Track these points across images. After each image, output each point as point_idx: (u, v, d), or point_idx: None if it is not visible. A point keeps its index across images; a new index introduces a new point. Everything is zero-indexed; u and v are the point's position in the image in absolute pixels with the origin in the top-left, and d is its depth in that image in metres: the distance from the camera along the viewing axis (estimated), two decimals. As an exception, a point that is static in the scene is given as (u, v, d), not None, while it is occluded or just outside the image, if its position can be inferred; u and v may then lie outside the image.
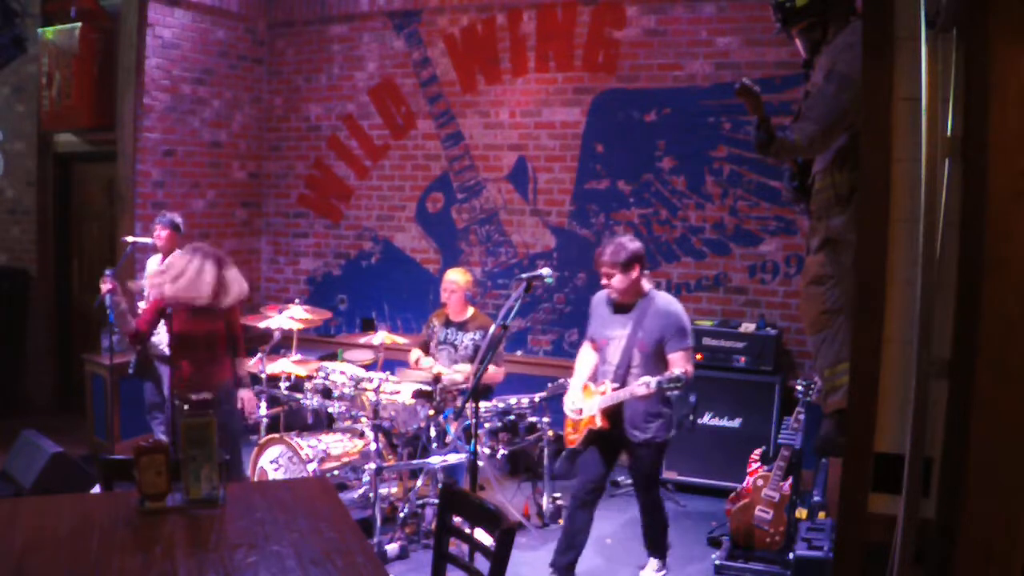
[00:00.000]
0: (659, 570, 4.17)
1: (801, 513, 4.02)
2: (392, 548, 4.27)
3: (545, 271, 3.89)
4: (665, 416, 3.96)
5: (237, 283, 4.26)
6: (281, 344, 5.22)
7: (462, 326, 5.11)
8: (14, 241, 6.97)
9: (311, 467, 4.47)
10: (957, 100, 1.90)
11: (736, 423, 5.21)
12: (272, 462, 4.65)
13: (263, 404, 4.94)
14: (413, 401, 4.57)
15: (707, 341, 5.28)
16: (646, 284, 3.98)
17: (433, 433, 4.52)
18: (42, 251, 6.88)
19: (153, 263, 5.44)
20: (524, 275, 3.87)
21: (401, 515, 4.40)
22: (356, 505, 4.52)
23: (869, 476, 2.01)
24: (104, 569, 2.15)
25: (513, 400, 4.81)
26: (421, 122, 6.55)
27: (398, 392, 4.66)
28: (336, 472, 4.62)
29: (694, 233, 5.75)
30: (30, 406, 6.71)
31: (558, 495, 4.97)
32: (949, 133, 1.90)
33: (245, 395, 4.46)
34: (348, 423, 4.99)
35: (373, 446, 4.60)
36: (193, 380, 4.18)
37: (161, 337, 4.98)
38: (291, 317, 5.11)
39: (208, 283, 4.11)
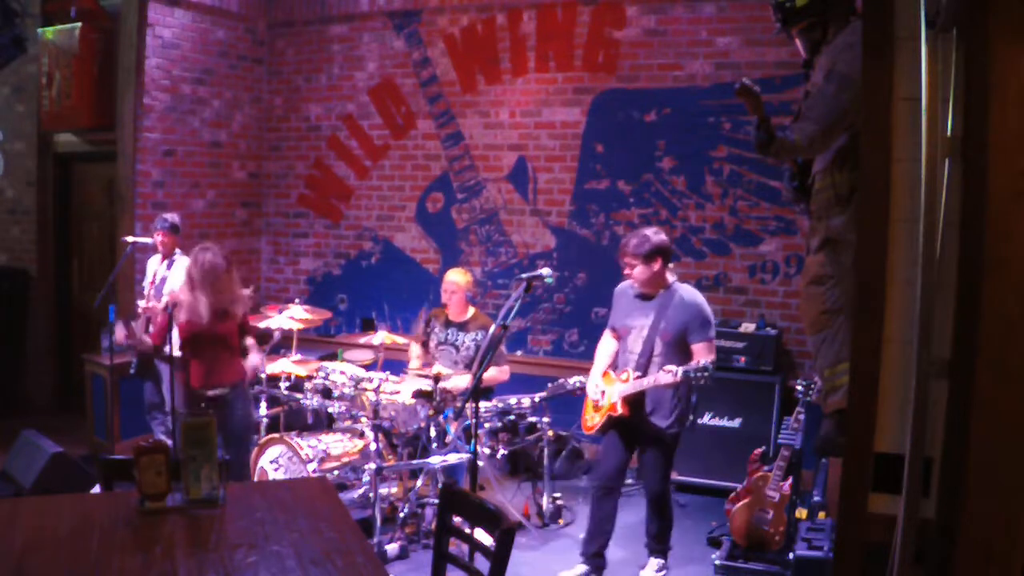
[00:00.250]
0: (660, 570, 4.17)
1: (801, 513, 4.01)
2: (392, 548, 4.27)
3: (545, 271, 3.90)
4: (683, 409, 4.02)
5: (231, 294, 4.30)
6: (281, 344, 5.22)
7: (463, 326, 5.11)
8: (14, 241, 6.97)
9: (311, 467, 4.47)
10: (957, 100, 1.90)
11: (736, 423, 5.21)
12: (272, 462, 4.65)
13: (263, 404, 4.94)
14: (413, 401, 4.57)
15: (707, 341, 5.28)
16: (670, 276, 4.04)
17: (433, 433, 4.52)
18: (42, 251, 6.88)
19: (152, 263, 5.45)
20: (524, 275, 3.88)
21: (401, 515, 4.40)
22: (356, 505, 4.52)
23: (869, 476, 2.01)
24: (104, 569, 2.15)
25: (513, 400, 4.81)
26: (421, 122, 6.55)
27: (398, 392, 4.66)
28: (336, 472, 4.62)
29: (694, 233, 5.74)
30: (30, 406, 6.71)
31: (558, 495, 4.97)
32: (949, 133, 1.90)
33: (255, 359, 4.48)
34: (348, 423, 4.99)
35: (373, 446, 4.60)
36: (206, 379, 4.19)
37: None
38: (291, 317, 5.12)
39: (206, 307, 4.17)
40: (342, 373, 4.80)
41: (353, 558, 2.29)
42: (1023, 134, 1.77)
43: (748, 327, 5.34)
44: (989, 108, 1.79)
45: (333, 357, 6.06)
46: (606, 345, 4.24)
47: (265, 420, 4.96)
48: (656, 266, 3.95)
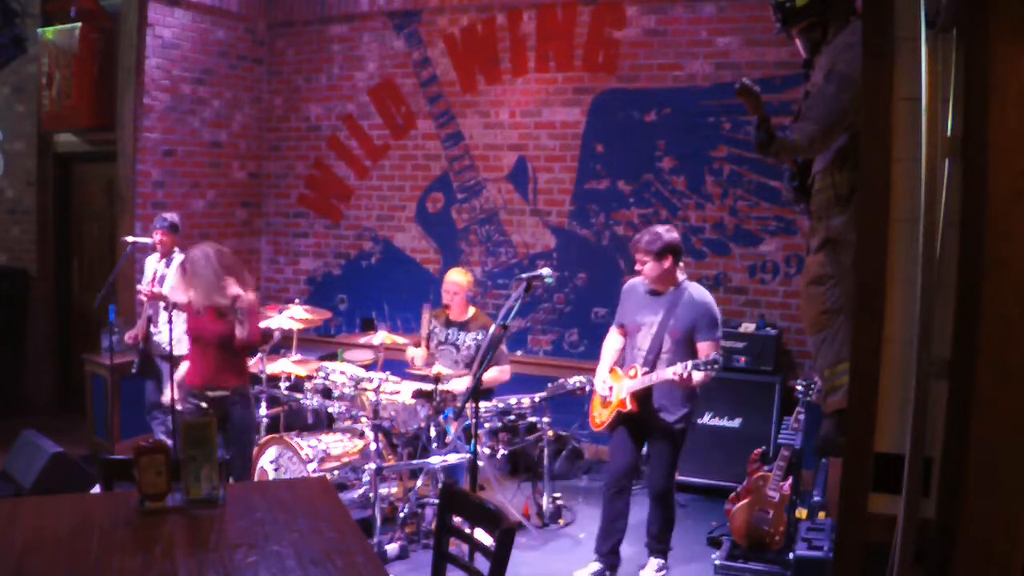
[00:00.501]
0: (660, 570, 4.17)
1: (801, 513, 4.02)
2: (392, 548, 4.27)
3: (545, 271, 3.90)
4: (690, 407, 4.05)
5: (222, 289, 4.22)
6: (281, 344, 5.22)
7: (463, 326, 5.11)
8: (14, 241, 6.97)
9: (311, 467, 4.47)
10: (957, 100, 1.90)
11: (736, 423, 5.21)
12: (272, 462, 4.65)
13: (263, 404, 4.94)
14: (413, 401, 4.57)
15: (707, 341, 5.28)
16: (680, 275, 4.07)
17: (433, 433, 4.52)
18: (42, 251, 6.88)
19: (151, 262, 5.45)
20: (524, 275, 3.88)
21: (401, 515, 4.40)
22: (356, 505, 4.52)
23: (869, 476, 2.01)
24: (104, 569, 2.15)
25: (513, 400, 4.81)
26: (421, 122, 6.55)
27: (398, 392, 4.66)
28: (336, 472, 4.62)
29: (694, 233, 5.74)
30: (30, 406, 6.71)
31: (558, 495, 4.97)
32: (949, 133, 1.90)
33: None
34: (348, 423, 4.98)
35: (373, 446, 4.60)
36: (207, 380, 4.17)
37: (163, 336, 4.99)
38: (291, 317, 5.11)
39: (200, 285, 4.09)
40: (342, 373, 4.80)
41: (353, 558, 2.29)
42: (1023, 134, 1.77)
43: (748, 327, 5.34)
44: (989, 108, 1.79)
45: (333, 357, 6.06)
46: (612, 342, 4.26)
47: (265, 420, 4.96)
48: (666, 263, 3.98)
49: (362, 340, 5.39)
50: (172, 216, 5.37)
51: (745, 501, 4.21)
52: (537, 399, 4.84)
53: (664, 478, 4.08)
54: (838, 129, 2.63)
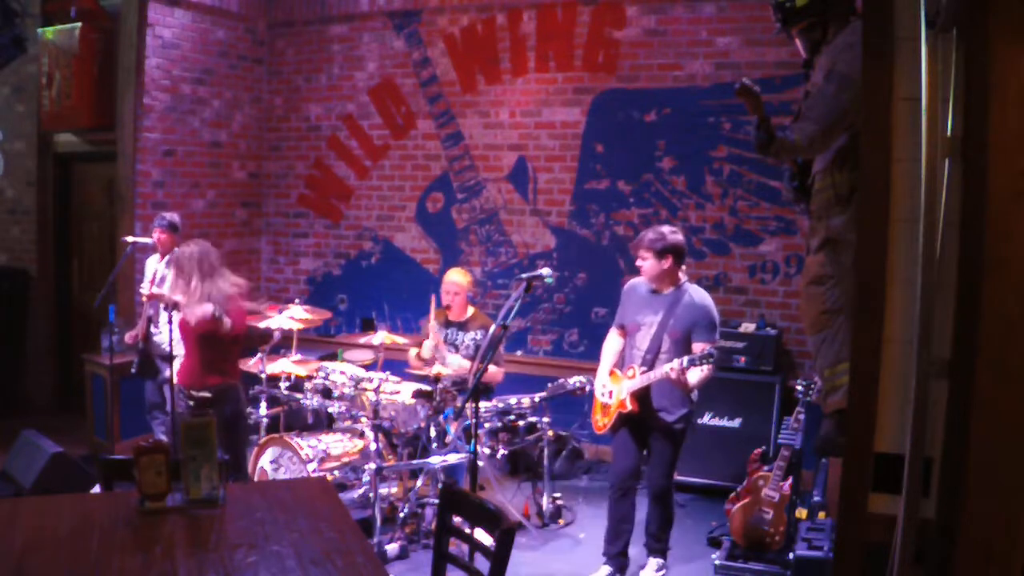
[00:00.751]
0: (659, 570, 4.17)
1: (801, 513, 4.02)
2: (392, 548, 4.27)
3: (545, 271, 3.91)
4: (690, 406, 4.05)
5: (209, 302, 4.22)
6: (281, 344, 5.22)
7: (463, 326, 5.11)
8: (14, 241, 6.97)
9: (311, 467, 4.47)
10: (957, 100, 1.90)
11: (736, 423, 5.20)
12: (272, 462, 4.65)
13: (263, 404, 4.94)
14: (413, 401, 4.57)
15: (707, 341, 5.29)
16: (682, 276, 4.08)
17: (433, 433, 4.52)
18: (42, 251, 6.88)
19: (152, 263, 5.45)
20: (524, 275, 3.88)
21: (401, 515, 4.40)
22: (356, 505, 4.52)
23: (869, 476, 2.01)
24: (104, 569, 2.15)
25: (513, 400, 4.81)
26: (421, 122, 6.55)
27: (398, 392, 4.66)
28: (336, 472, 4.62)
29: (694, 233, 5.74)
30: (30, 406, 6.71)
31: (558, 495, 4.97)
32: (949, 133, 1.90)
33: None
34: (348, 423, 4.98)
35: (373, 446, 4.60)
36: (198, 378, 4.18)
37: (163, 336, 4.98)
38: (291, 317, 5.11)
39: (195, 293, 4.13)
40: (342, 373, 4.79)
41: (353, 558, 2.29)
42: (1023, 134, 1.77)
43: (748, 327, 5.34)
44: (989, 108, 1.79)
45: (333, 357, 6.06)
46: (611, 344, 4.26)
47: (265, 420, 4.96)
48: (666, 263, 3.98)
49: (362, 340, 5.38)
50: (171, 216, 5.37)
51: (745, 501, 4.21)
52: (537, 399, 4.84)
53: (663, 477, 4.09)
54: (838, 129, 2.63)
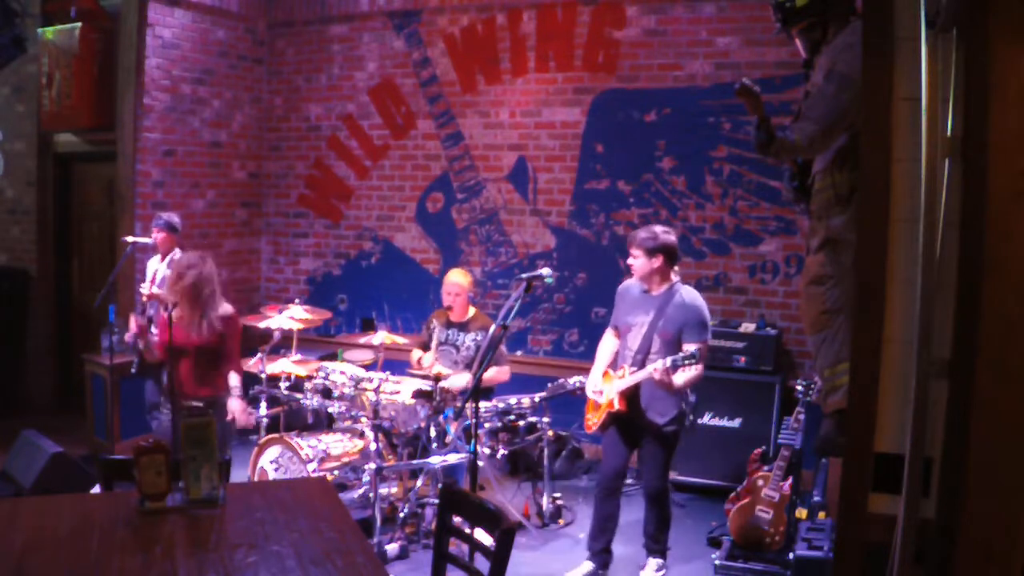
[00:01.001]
0: (659, 569, 4.17)
1: (801, 513, 4.02)
2: (392, 548, 4.27)
3: (545, 271, 3.91)
4: (681, 407, 4.04)
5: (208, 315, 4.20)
6: (281, 344, 5.22)
7: (463, 326, 5.11)
8: (14, 241, 6.97)
9: (311, 467, 4.47)
10: (957, 100, 1.90)
11: (736, 423, 5.20)
12: (272, 462, 4.65)
13: (263, 404, 4.94)
14: (413, 401, 4.57)
15: (707, 341, 5.29)
16: (674, 276, 4.07)
17: (433, 433, 4.51)
18: (42, 251, 6.87)
19: (153, 263, 5.45)
20: (524, 275, 3.88)
21: (401, 515, 4.40)
22: (356, 505, 4.52)
23: (869, 476, 2.01)
24: (104, 569, 2.15)
25: (513, 400, 4.81)
26: (421, 122, 6.55)
27: (398, 392, 4.66)
28: (336, 472, 4.62)
29: (694, 233, 5.74)
30: (30, 406, 6.71)
31: (558, 495, 4.97)
32: (949, 133, 1.90)
33: (234, 407, 4.29)
34: (348, 423, 4.98)
35: (373, 446, 4.60)
36: (186, 388, 4.16)
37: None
38: (291, 317, 5.11)
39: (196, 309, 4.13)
40: (342, 373, 4.79)
41: (353, 558, 2.29)
42: (1023, 134, 1.77)
43: (748, 327, 5.34)
44: (989, 108, 1.79)
45: (333, 357, 6.05)
46: (607, 344, 4.27)
47: (265, 420, 4.96)
48: (656, 263, 3.98)
49: (362, 340, 5.39)
50: (170, 216, 5.37)
51: (745, 501, 4.21)
52: (537, 399, 4.84)
53: (657, 479, 4.09)
54: (838, 129, 2.63)
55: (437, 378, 4.52)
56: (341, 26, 6.77)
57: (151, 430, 5.35)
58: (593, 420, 4.16)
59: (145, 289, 5.21)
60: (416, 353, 5.25)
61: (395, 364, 5.33)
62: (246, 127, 6.95)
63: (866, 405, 2.01)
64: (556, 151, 6.12)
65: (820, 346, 2.77)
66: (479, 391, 3.77)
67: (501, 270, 6.36)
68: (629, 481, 4.97)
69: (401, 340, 5.27)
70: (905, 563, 1.89)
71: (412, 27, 6.50)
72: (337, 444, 4.72)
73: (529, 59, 6.14)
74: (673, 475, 5.32)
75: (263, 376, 4.91)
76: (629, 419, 4.04)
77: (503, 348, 5.00)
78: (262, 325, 5.13)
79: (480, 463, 4.08)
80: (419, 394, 4.56)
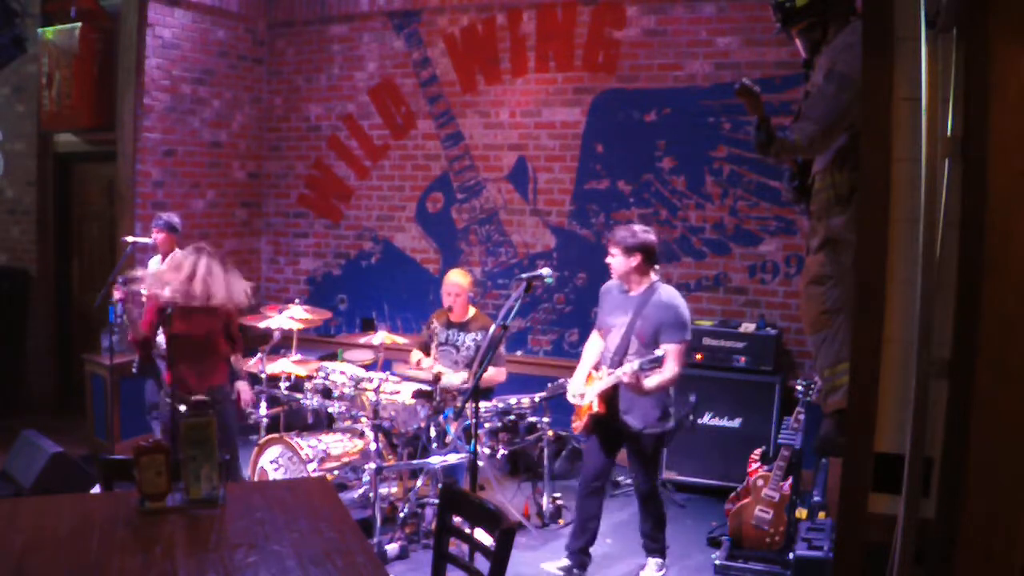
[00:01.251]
0: (659, 569, 4.17)
1: (801, 513, 4.02)
2: (392, 548, 4.27)
3: (545, 271, 3.91)
4: (663, 407, 4.01)
5: (240, 286, 4.26)
6: (281, 344, 5.22)
7: (463, 327, 5.11)
8: (14, 241, 6.97)
9: (311, 467, 4.47)
10: (957, 100, 1.90)
11: (736, 423, 5.20)
12: (272, 462, 4.65)
13: (263, 404, 4.94)
14: (413, 401, 4.57)
15: (707, 341, 5.28)
16: (653, 275, 4.05)
17: (433, 433, 4.52)
18: (42, 251, 6.88)
19: (153, 263, 5.44)
20: (524, 275, 3.88)
21: (401, 515, 4.40)
22: (356, 505, 4.52)
23: (869, 476, 2.01)
24: (104, 569, 2.15)
25: (513, 400, 4.81)
26: (421, 122, 6.55)
27: (398, 392, 4.66)
28: (336, 472, 4.62)
29: (694, 233, 5.74)
30: (30, 406, 6.71)
31: (558, 495, 4.97)
32: (949, 133, 1.90)
33: (242, 386, 4.45)
34: (348, 423, 4.99)
35: (373, 446, 4.60)
36: (190, 382, 4.17)
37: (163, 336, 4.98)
38: (291, 317, 5.11)
39: (220, 285, 4.12)
40: (342, 373, 4.80)
41: (353, 558, 2.29)
42: (1023, 134, 1.77)
43: (748, 327, 5.34)
44: (989, 108, 1.79)
45: (333, 357, 6.06)
46: (591, 345, 4.28)
47: (265, 420, 4.96)
48: (634, 261, 3.97)
49: (362, 340, 5.39)
50: (169, 216, 5.37)
51: (745, 501, 4.21)
52: (537, 399, 4.84)
53: (644, 480, 4.09)
54: (838, 129, 2.63)
55: (437, 378, 4.53)
56: (341, 26, 6.77)
57: (151, 430, 5.37)
58: (577, 423, 4.17)
59: (144, 290, 5.20)
60: (416, 354, 5.26)
61: (395, 364, 5.33)
62: (246, 127, 6.95)
63: (866, 405, 2.01)
64: (556, 151, 6.12)
65: (820, 346, 2.77)
66: (479, 391, 3.77)
67: (501, 270, 6.36)
68: (628, 481, 4.97)
69: (401, 340, 5.27)
70: (905, 563, 1.89)
71: (412, 27, 6.50)
72: (337, 444, 4.73)
73: (529, 59, 6.14)
74: (673, 475, 5.34)
75: (263, 376, 4.91)
76: (608, 421, 4.04)
77: (502, 349, 5.00)
78: (262, 325, 5.12)
79: (480, 463, 4.08)
80: (419, 394, 4.56)
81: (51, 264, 6.94)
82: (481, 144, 6.35)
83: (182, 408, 4.12)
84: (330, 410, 4.90)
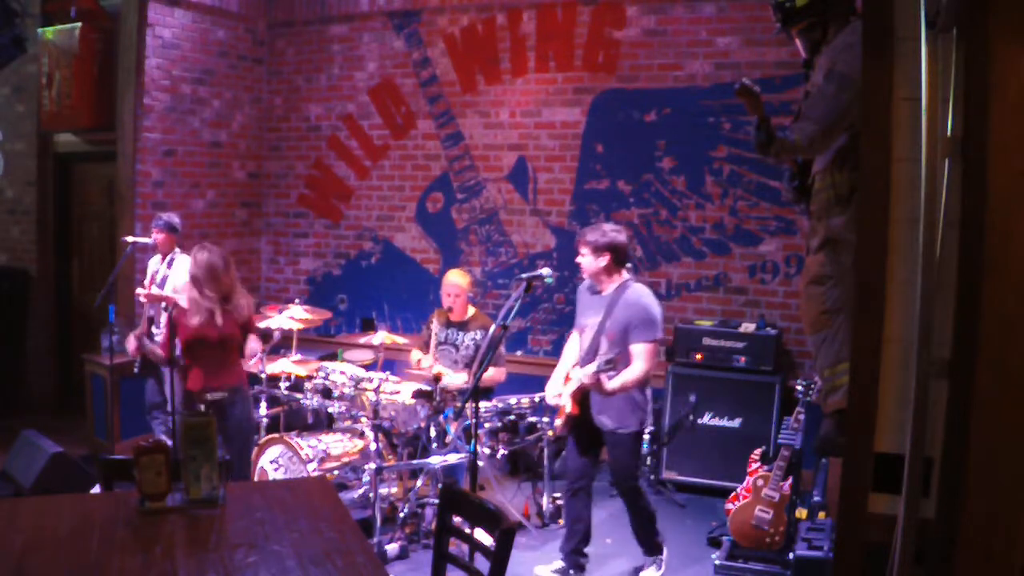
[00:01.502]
0: (658, 569, 4.17)
1: (801, 513, 4.02)
2: (392, 548, 4.27)
3: (545, 271, 3.91)
4: (636, 406, 3.98)
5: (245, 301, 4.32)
6: (281, 344, 5.22)
7: (463, 326, 5.11)
8: (14, 241, 6.97)
9: (311, 467, 4.47)
10: (957, 100, 1.89)
11: (736, 423, 5.20)
12: (272, 462, 4.65)
13: (263, 405, 4.94)
14: (413, 401, 4.57)
15: (707, 341, 5.28)
16: (624, 275, 4.03)
17: (433, 433, 4.52)
18: (42, 251, 6.88)
19: (153, 263, 5.44)
20: (524, 275, 3.89)
21: (401, 515, 4.40)
22: (356, 505, 4.52)
23: (869, 476, 2.01)
24: (104, 569, 2.15)
25: (513, 400, 4.81)
26: (421, 122, 6.55)
27: (398, 392, 4.66)
28: (336, 472, 4.62)
29: (694, 233, 5.75)
30: (30, 406, 6.71)
31: (558, 495, 4.96)
32: (949, 133, 1.90)
33: (255, 343, 4.41)
34: (348, 423, 4.99)
35: (373, 446, 4.60)
36: (205, 383, 4.18)
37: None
38: (291, 317, 5.11)
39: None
40: (342, 373, 4.80)
41: (353, 558, 2.29)
42: (1023, 134, 1.77)
43: (748, 327, 5.34)
44: (989, 108, 1.79)
45: (333, 357, 6.06)
46: (569, 346, 4.28)
47: (265, 420, 4.96)
48: (603, 261, 3.96)
49: (362, 340, 5.39)
50: (169, 216, 5.36)
51: (745, 501, 4.21)
52: (537, 399, 4.84)
53: (623, 480, 4.07)
54: (838, 129, 2.63)
55: (437, 378, 4.53)
56: (341, 26, 6.77)
57: (151, 430, 5.36)
58: (557, 424, 4.19)
59: (143, 290, 5.20)
60: (416, 354, 5.26)
61: (395, 364, 5.33)
62: (246, 127, 6.95)
63: (866, 405, 2.01)
64: (556, 151, 6.12)
65: (820, 346, 2.77)
66: (479, 391, 3.77)
67: (501, 270, 6.36)
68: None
69: (401, 340, 5.27)
70: (905, 563, 1.89)
71: (412, 27, 6.50)
72: (337, 444, 4.73)
73: (529, 59, 6.14)
74: (673, 475, 5.34)
75: (263, 376, 4.91)
76: (583, 421, 4.06)
77: (502, 348, 5.00)
78: (262, 325, 5.12)
79: (480, 463, 4.08)
80: (419, 394, 4.56)
81: (51, 264, 6.94)
82: (481, 144, 6.35)
83: (201, 408, 4.15)
84: (330, 410, 4.90)
